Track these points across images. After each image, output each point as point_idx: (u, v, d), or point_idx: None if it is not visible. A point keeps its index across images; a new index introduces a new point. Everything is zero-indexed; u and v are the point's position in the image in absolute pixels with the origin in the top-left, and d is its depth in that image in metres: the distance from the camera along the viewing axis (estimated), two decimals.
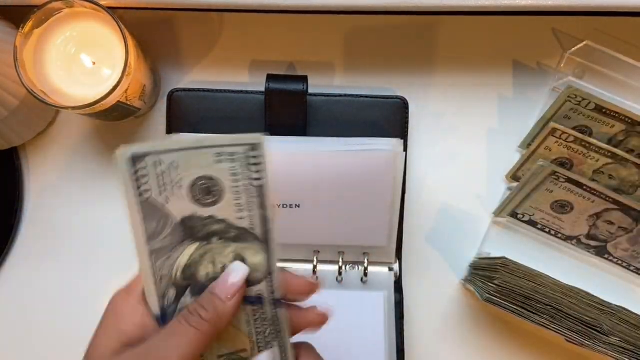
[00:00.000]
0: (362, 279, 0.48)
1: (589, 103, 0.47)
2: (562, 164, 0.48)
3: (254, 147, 0.28)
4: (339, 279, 0.48)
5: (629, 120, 0.47)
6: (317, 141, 0.48)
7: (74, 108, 0.44)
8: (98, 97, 0.43)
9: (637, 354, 0.46)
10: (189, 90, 0.50)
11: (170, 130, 0.50)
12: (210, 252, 0.30)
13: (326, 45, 0.53)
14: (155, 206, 0.28)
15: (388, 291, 0.48)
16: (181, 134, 0.26)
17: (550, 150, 0.48)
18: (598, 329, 0.46)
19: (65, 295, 0.52)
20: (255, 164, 0.28)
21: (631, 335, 0.46)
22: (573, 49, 0.50)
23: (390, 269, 0.48)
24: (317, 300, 0.34)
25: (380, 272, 0.48)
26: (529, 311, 0.46)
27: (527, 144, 0.50)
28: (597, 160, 0.47)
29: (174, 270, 0.30)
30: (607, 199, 0.46)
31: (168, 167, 0.27)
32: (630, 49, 0.50)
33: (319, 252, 0.49)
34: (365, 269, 0.48)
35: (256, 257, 0.30)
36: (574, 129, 0.48)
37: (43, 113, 0.52)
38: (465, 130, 0.52)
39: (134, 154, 0.27)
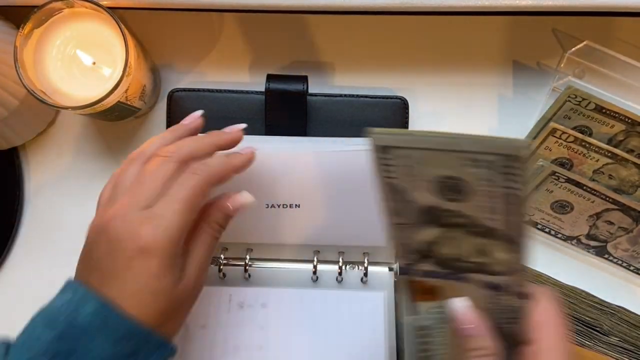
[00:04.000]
0: (362, 279, 0.48)
1: (589, 103, 0.47)
2: (562, 164, 0.48)
3: (516, 158, 0.25)
4: (339, 279, 0.48)
5: (629, 120, 0.47)
6: (317, 141, 0.48)
7: (74, 108, 0.44)
8: (98, 97, 0.43)
9: (637, 354, 0.46)
10: (189, 90, 0.50)
11: None
12: (452, 239, 0.30)
13: (326, 45, 0.53)
14: (400, 190, 0.28)
15: (388, 291, 0.48)
16: (436, 130, 0.25)
17: (550, 150, 0.48)
18: (598, 329, 0.46)
19: None
20: (514, 175, 0.26)
21: (631, 335, 0.46)
22: (573, 49, 0.50)
23: (390, 269, 0.48)
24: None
25: (380, 272, 0.48)
26: None
27: None
28: (597, 160, 0.47)
29: (416, 242, 0.30)
30: (607, 199, 0.46)
31: (414, 163, 0.27)
32: (630, 49, 0.50)
33: (319, 252, 0.49)
34: (365, 269, 0.48)
35: (502, 254, 0.29)
36: (573, 129, 0.48)
37: (43, 113, 0.52)
38: (466, 130, 0.52)
39: (382, 146, 0.26)
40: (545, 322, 0.31)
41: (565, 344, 0.31)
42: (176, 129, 0.41)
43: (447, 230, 0.29)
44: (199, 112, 0.43)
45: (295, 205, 0.46)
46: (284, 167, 0.45)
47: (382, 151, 0.26)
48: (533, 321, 0.31)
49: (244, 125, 0.42)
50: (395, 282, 0.33)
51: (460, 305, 0.32)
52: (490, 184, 0.26)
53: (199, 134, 0.42)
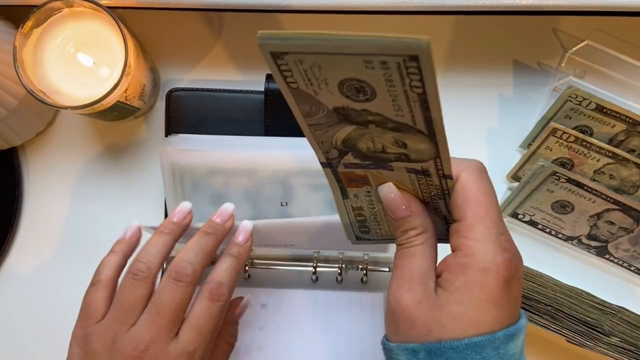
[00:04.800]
0: (362, 279, 0.48)
1: (590, 103, 0.47)
2: (562, 164, 0.48)
3: (413, 58, 0.24)
4: (339, 279, 0.48)
5: (630, 120, 0.47)
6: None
7: (73, 108, 0.44)
8: (97, 97, 0.43)
9: (638, 354, 0.46)
10: (188, 89, 0.50)
11: (169, 130, 0.50)
12: (368, 134, 0.29)
13: None
14: (305, 93, 0.27)
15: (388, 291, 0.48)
16: (324, 31, 0.23)
17: (550, 150, 0.48)
18: (599, 330, 0.46)
19: (64, 295, 0.52)
20: (414, 74, 0.24)
21: (632, 335, 0.46)
22: (574, 49, 0.50)
23: (390, 269, 0.48)
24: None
25: (380, 272, 0.48)
26: (529, 311, 0.46)
27: (527, 143, 0.50)
28: (598, 160, 0.47)
29: (333, 139, 0.30)
30: (608, 199, 0.46)
31: (310, 67, 0.25)
32: (630, 48, 0.50)
33: (319, 251, 0.49)
34: (365, 269, 0.48)
35: (419, 145, 0.29)
36: (574, 128, 0.48)
37: (42, 113, 0.52)
38: (466, 130, 0.52)
39: (271, 52, 0.25)
40: (468, 197, 0.31)
41: (491, 213, 0.30)
42: (170, 229, 0.39)
43: (360, 128, 0.29)
44: (188, 206, 0.40)
45: (291, 245, 0.46)
46: (273, 231, 0.44)
47: (273, 57, 0.25)
48: (456, 198, 0.31)
49: (231, 207, 0.40)
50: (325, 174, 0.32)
51: (388, 190, 0.32)
52: (389, 83, 0.25)
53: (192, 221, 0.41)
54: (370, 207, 0.34)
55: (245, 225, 0.40)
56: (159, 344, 0.35)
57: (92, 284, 0.38)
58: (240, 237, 0.40)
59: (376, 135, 0.29)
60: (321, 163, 0.32)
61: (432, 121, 0.27)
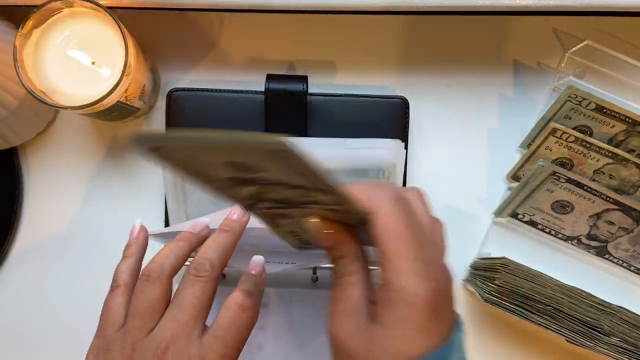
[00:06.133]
0: None
1: (590, 103, 0.47)
2: (562, 164, 0.48)
3: (275, 154, 0.24)
4: None
5: (630, 120, 0.47)
6: (316, 142, 0.48)
7: (73, 108, 0.44)
8: (97, 97, 0.43)
9: (638, 354, 0.46)
10: (188, 89, 0.50)
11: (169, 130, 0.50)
12: (273, 190, 0.29)
13: (326, 45, 0.53)
14: (191, 172, 0.27)
15: None
16: (189, 134, 0.23)
17: (550, 150, 0.48)
18: (598, 330, 0.46)
19: (64, 295, 0.52)
20: (284, 160, 0.25)
21: (631, 335, 0.46)
22: (573, 49, 0.50)
23: None
24: None
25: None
26: (529, 311, 0.46)
27: (527, 143, 0.50)
28: (598, 160, 0.47)
29: (240, 196, 0.30)
30: (608, 199, 0.46)
31: (184, 157, 0.26)
32: (630, 48, 0.50)
33: None
34: None
35: (322, 197, 0.29)
36: (574, 128, 0.48)
37: (42, 113, 0.52)
38: (466, 130, 0.52)
39: (145, 149, 0.25)
40: (388, 232, 0.30)
41: (414, 245, 0.30)
42: (187, 237, 0.38)
43: (262, 186, 0.29)
44: (206, 220, 0.40)
45: (292, 262, 0.46)
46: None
47: (147, 152, 0.25)
48: (377, 232, 0.31)
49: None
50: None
51: (312, 223, 0.32)
52: (272, 163, 0.25)
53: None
54: (302, 228, 0.34)
55: (256, 260, 0.39)
56: (180, 343, 0.33)
57: (111, 289, 0.37)
58: (253, 271, 0.39)
59: (279, 190, 0.29)
60: (242, 208, 0.32)
61: (326, 187, 0.27)
